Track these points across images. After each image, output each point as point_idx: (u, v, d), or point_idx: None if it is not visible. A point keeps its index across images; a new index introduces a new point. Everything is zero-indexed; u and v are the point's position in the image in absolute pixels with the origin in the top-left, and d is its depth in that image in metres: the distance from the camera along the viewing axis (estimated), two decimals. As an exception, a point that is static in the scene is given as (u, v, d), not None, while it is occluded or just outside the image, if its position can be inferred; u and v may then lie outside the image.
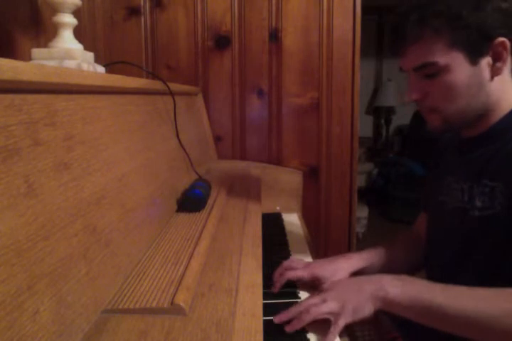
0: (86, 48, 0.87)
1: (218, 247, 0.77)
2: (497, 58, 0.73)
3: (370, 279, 0.72)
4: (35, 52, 0.80)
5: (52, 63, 0.77)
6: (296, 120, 1.62)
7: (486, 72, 0.74)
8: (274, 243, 1.11)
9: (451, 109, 0.76)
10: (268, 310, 0.67)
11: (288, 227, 1.27)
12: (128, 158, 0.71)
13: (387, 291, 0.68)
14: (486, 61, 0.73)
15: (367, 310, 0.68)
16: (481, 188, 0.75)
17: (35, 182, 0.43)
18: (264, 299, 0.63)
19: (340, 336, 0.67)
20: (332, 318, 0.68)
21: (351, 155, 1.63)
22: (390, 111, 4.49)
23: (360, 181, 3.09)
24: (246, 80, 1.61)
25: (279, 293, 0.80)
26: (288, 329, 0.66)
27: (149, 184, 0.79)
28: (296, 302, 0.75)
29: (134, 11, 1.56)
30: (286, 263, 0.85)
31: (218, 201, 1.02)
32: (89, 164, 0.56)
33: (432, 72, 0.74)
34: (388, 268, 0.89)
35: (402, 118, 4.37)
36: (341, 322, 0.67)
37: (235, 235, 0.85)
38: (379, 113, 4.58)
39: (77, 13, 0.87)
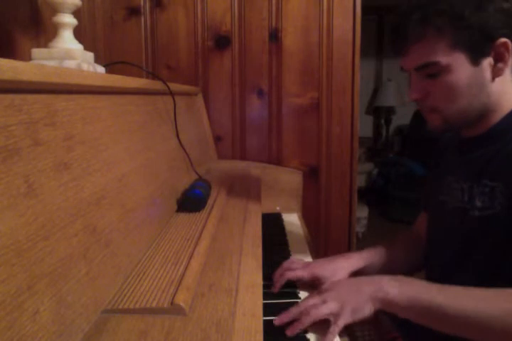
0: (86, 48, 0.87)
1: (218, 247, 0.77)
2: (499, 59, 0.73)
3: (370, 280, 0.72)
4: (35, 52, 0.80)
5: (52, 63, 0.77)
6: (296, 120, 1.62)
7: (488, 73, 0.74)
8: (274, 243, 1.11)
9: (451, 109, 0.76)
10: (268, 310, 0.67)
11: (288, 227, 1.27)
12: (128, 158, 0.71)
13: (386, 292, 0.67)
14: (487, 62, 0.73)
15: (366, 310, 0.68)
16: (481, 188, 0.75)
17: (35, 182, 0.43)
18: (264, 299, 0.63)
19: (340, 336, 0.67)
20: (332, 318, 0.68)
21: (351, 155, 1.63)
22: (390, 111, 4.49)
23: (360, 181, 3.09)
24: (246, 80, 1.61)
25: (279, 293, 0.80)
26: (289, 333, 0.66)
27: (149, 184, 0.79)
28: (296, 302, 0.75)
29: (134, 11, 1.56)
30: (286, 264, 0.85)
31: (218, 201, 1.02)
32: (89, 164, 0.56)
33: (434, 72, 0.74)
34: (388, 267, 0.89)
35: (402, 118, 4.37)
36: (341, 323, 0.67)
37: (235, 235, 0.85)
38: (379, 113, 4.58)
39: (77, 13, 0.87)
